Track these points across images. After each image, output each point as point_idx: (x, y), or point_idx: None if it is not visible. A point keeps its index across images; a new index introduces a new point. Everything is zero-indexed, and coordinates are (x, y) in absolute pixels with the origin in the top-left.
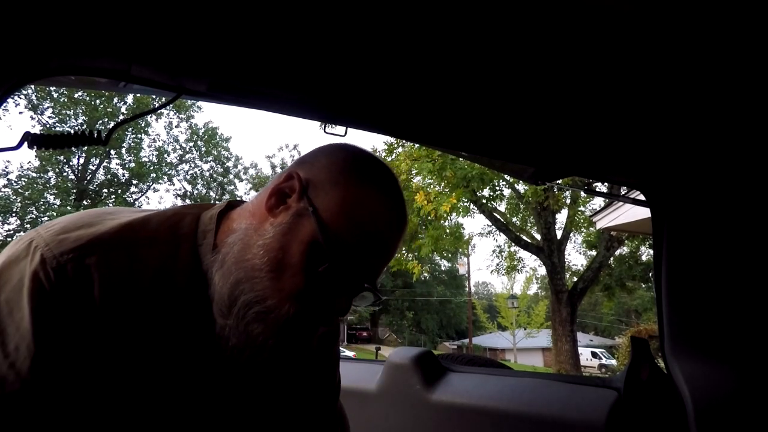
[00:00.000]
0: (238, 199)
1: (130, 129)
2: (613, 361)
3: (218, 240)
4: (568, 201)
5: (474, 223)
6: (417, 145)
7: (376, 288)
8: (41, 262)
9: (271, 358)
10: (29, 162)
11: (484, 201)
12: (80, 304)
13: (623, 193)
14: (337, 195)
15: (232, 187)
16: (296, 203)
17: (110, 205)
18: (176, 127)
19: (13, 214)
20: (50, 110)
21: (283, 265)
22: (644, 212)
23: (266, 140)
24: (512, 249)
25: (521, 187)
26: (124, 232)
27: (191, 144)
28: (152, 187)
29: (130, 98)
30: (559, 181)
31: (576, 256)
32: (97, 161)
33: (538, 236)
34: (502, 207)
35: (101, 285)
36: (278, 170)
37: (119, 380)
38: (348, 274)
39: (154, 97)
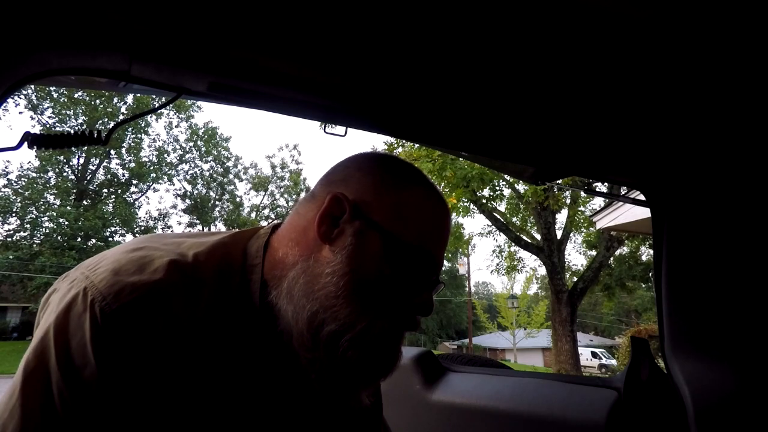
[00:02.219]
0: (273, 219)
1: (130, 129)
2: (613, 361)
3: (266, 273)
4: (568, 201)
5: (474, 223)
6: (417, 145)
7: (432, 307)
8: (101, 316)
9: (367, 379)
10: (29, 162)
11: (484, 201)
12: (142, 356)
13: (623, 193)
14: (390, 203)
15: (232, 187)
16: (350, 224)
17: (110, 205)
18: (176, 127)
19: (13, 214)
20: (50, 110)
21: (361, 285)
22: (644, 212)
23: (266, 140)
24: (512, 249)
25: (521, 187)
26: (176, 277)
27: (191, 144)
28: (152, 187)
29: (130, 98)
30: (559, 181)
31: (576, 256)
32: (97, 161)
33: (538, 236)
34: (502, 207)
35: (162, 333)
36: (278, 170)
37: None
38: (422, 273)
39: (154, 97)
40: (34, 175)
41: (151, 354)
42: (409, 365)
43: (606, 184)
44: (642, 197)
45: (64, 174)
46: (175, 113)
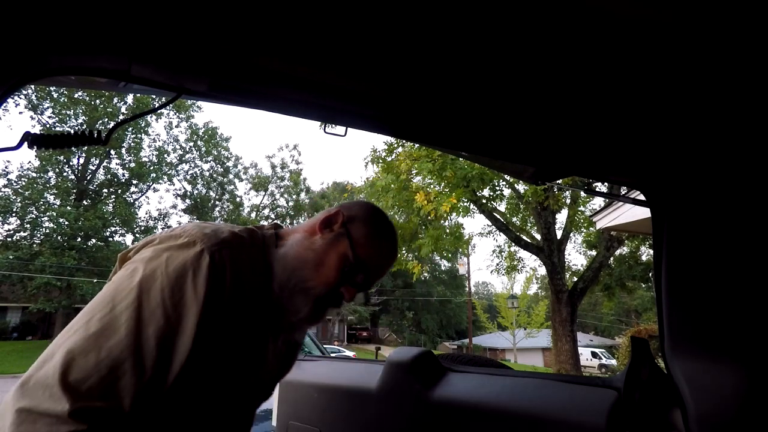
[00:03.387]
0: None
1: (130, 129)
2: (613, 361)
3: (278, 247)
4: (568, 201)
5: (474, 223)
6: (417, 145)
7: (369, 290)
8: (213, 256)
9: (303, 321)
10: (29, 162)
11: (484, 201)
12: (223, 280)
13: (623, 193)
14: (365, 232)
15: (232, 186)
16: (338, 229)
17: (110, 205)
18: (176, 127)
19: (13, 214)
20: (50, 110)
21: (323, 265)
22: (644, 212)
23: (266, 140)
24: (512, 249)
25: (521, 187)
26: (236, 238)
27: (191, 144)
28: (152, 187)
29: (130, 98)
30: (559, 181)
31: (576, 256)
32: (97, 161)
33: (538, 236)
34: (502, 207)
35: (231, 270)
36: (278, 170)
37: (225, 345)
38: (359, 278)
39: (154, 97)
40: (34, 175)
41: (225, 280)
42: (409, 365)
43: (606, 184)
44: (642, 197)
45: (64, 174)
46: (175, 113)
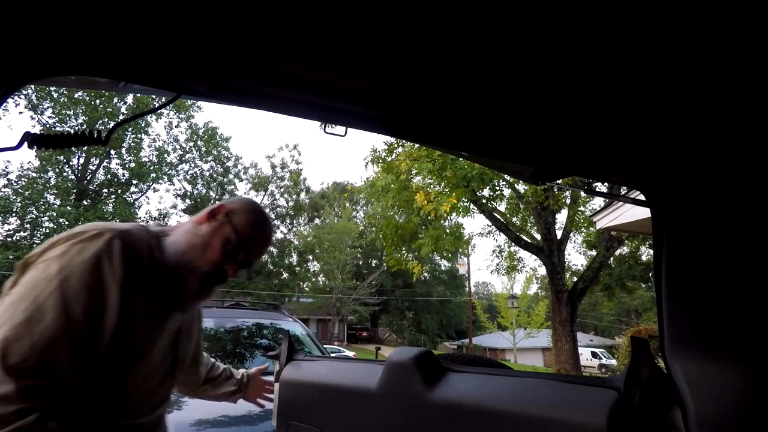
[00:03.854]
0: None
1: (130, 129)
2: (613, 361)
3: (167, 236)
4: (568, 201)
5: (474, 223)
6: (417, 145)
7: (251, 268)
8: (112, 237)
9: (193, 296)
10: (29, 162)
11: (484, 201)
12: (133, 260)
13: (623, 193)
14: (245, 219)
15: (232, 186)
16: (222, 218)
17: (110, 205)
18: (176, 127)
19: (13, 214)
20: (50, 110)
21: (209, 247)
22: (644, 212)
23: (266, 140)
24: (512, 249)
25: (521, 187)
26: (135, 229)
27: (191, 144)
28: (152, 187)
29: (130, 98)
30: (559, 181)
31: (576, 256)
32: (97, 161)
33: (538, 236)
34: (502, 207)
35: (137, 253)
36: (278, 170)
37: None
38: (241, 257)
39: (154, 97)
40: (34, 175)
41: (141, 267)
42: (409, 365)
43: (606, 184)
44: (642, 197)
45: (64, 174)
46: (175, 113)
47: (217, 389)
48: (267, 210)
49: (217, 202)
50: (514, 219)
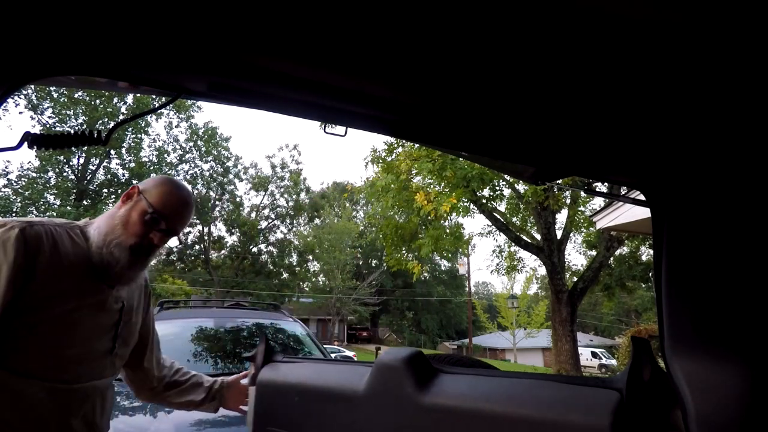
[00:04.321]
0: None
1: (130, 129)
2: (613, 361)
3: (90, 225)
4: (568, 201)
5: (474, 223)
6: (417, 145)
7: (175, 234)
8: (13, 227)
9: (125, 269)
10: (29, 162)
11: (484, 201)
12: (34, 246)
13: (623, 193)
14: (157, 191)
15: (232, 186)
16: (136, 197)
17: (110, 205)
18: (176, 127)
19: (13, 214)
20: (50, 110)
21: (129, 223)
22: (644, 212)
23: (266, 140)
24: (512, 249)
25: (521, 187)
26: (50, 222)
27: (191, 144)
28: None
29: (130, 98)
30: (559, 181)
31: (576, 256)
32: (97, 161)
33: (538, 236)
34: (502, 207)
35: (46, 241)
36: (278, 170)
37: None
38: (162, 225)
39: (154, 97)
40: (34, 175)
41: (54, 252)
42: (399, 366)
43: (606, 184)
44: (642, 197)
45: (64, 174)
46: (175, 113)
47: (182, 396)
48: (188, 186)
49: (135, 186)
50: (514, 219)
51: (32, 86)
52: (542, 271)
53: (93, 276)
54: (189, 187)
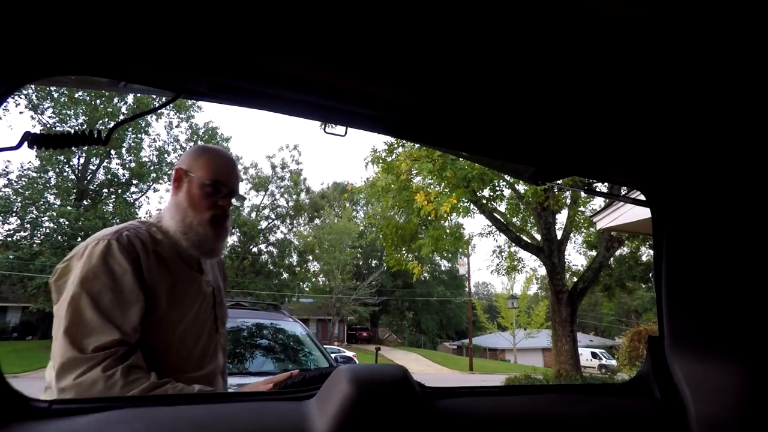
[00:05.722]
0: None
1: (130, 129)
2: (613, 361)
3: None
4: (568, 201)
5: (474, 224)
6: (417, 146)
7: (236, 193)
8: (109, 239)
9: (215, 242)
10: (29, 162)
11: (485, 201)
12: (133, 251)
13: (623, 193)
14: (200, 164)
15: None
16: (185, 178)
17: (110, 205)
18: (176, 127)
19: (14, 214)
20: (50, 110)
21: (195, 202)
22: (644, 212)
23: (266, 140)
24: (512, 249)
25: (521, 188)
26: (128, 225)
27: (192, 144)
28: (152, 186)
29: (130, 98)
30: (560, 182)
31: (576, 257)
32: (98, 161)
33: (538, 236)
34: (502, 207)
35: (138, 243)
36: (278, 170)
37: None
38: (222, 191)
39: (154, 97)
40: (35, 174)
41: (146, 251)
42: (373, 397)
43: (606, 184)
44: (642, 197)
45: (65, 174)
46: (176, 113)
47: None
48: (228, 154)
49: (175, 168)
50: (515, 219)
51: (32, 86)
52: (542, 271)
53: (185, 265)
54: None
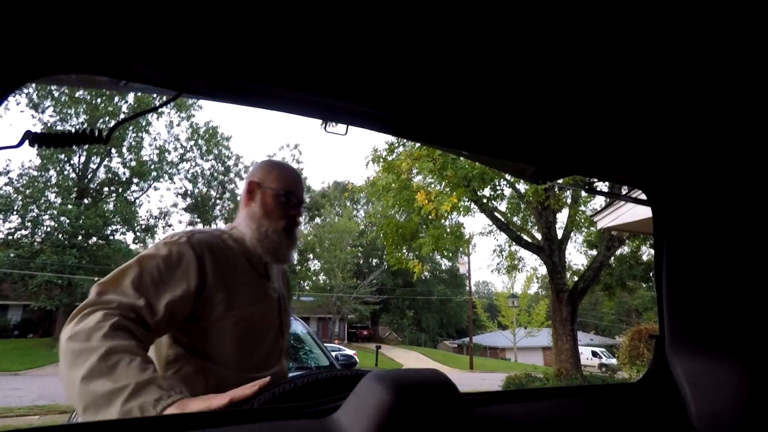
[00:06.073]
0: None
1: (131, 128)
2: (613, 360)
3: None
4: (568, 200)
5: (475, 223)
6: (418, 145)
7: (303, 202)
8: (187, 238)
9: (287, 249)
10: (30, 160)
11: (485, 200)
12: (201, 252)
13: (624, 192)
14: (271, 176)
15: (233, 185)
16: (258, 190)
17: (111, 203)
18: (177, 125)
19: (15, 212)
20: (51, 109)
21: (269, 211)
22: (645, 212)
23: (267, 139)
24: (513, 248)
25: (522, 187)
26: (205, 230)
27: (192, 143)
28: (153, 185)
29: (131, 97)
30: (560, 181)
31: (577, 256)
32: (98, 160)
33: (538, 236)
34: (502, 206)
35: (206, 246)
36: None
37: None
38: (293, 200)
39: (155, 96)
40: (35, 173)
41: (214, 254)
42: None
43: (607, 183)
44: (643, 196)
45: (65, 172)
46: (176, 112)
47: None
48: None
49: (244, 183)
50: (515, 218)
51: (33, 85)
52: (543, 270)
53: (254, 270)
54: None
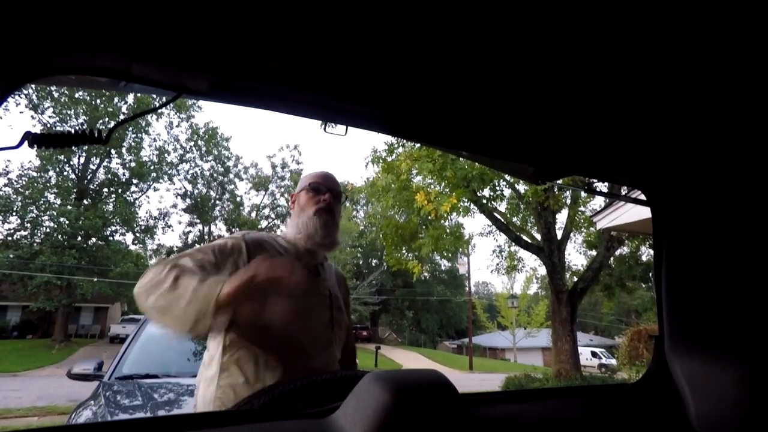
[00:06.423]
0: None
1: (130, 128)
2: (613, 361)
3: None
4: (568, 201)
5: (474, 223)
6: (417, 145)
7: (337, 193)
8: (242, 235)
9: (324, 231)
10: (30, 161)
11: (485, 201)
12: (254, 248)
13: (623, 192)
14: (303, 179)
15: (233, 186)
16: (295, 195)
17: (110, 204)
18: (177, 126)
19: (14, 213)
20: (51, 110)
21: (302, 206)
22: (645, 212)
23: (267, 140)
24: (512, 249)
25: (521, 187)
26: (259, 232)
27: (192, 143)
28: (153, 186)
29: (130, 98)
30: (560, 181)
31: (576, 256)
32: (98, 161)
33: (538, 236)
34: (502, 207)
35: (260, 242)
36: (278, 170)
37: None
38: (321, 190)
39: (154, 96)
40: (35, 174)
41: (265, 250)
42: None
43: (606, 183)
44: (642, 197)
45: (65, 173)
46: (176, 113)
47: None
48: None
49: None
50: (515, 219)
51: (33, 85)
52: (542, 270)
53: (304, 269)
54: None
